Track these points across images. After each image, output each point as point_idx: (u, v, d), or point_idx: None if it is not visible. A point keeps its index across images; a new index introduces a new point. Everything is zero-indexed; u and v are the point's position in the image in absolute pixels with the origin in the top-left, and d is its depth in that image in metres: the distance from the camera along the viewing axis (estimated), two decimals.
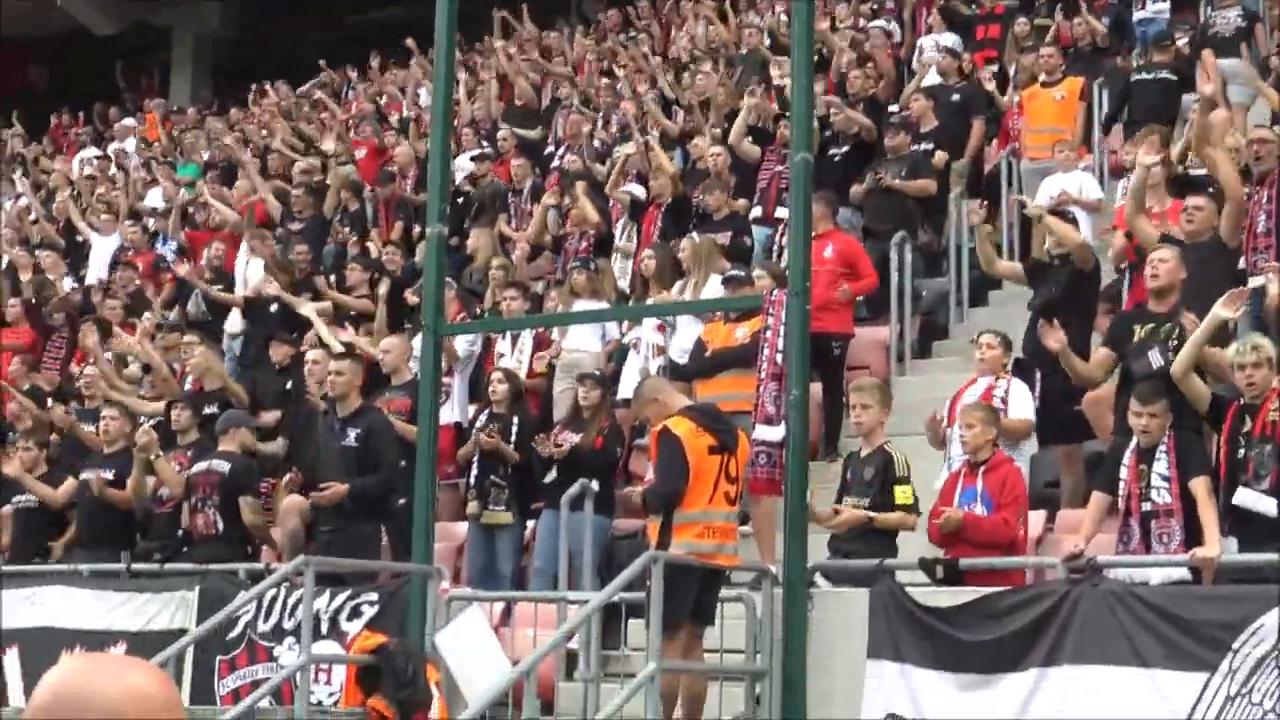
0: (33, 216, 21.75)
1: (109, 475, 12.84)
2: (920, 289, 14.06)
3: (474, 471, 11.99)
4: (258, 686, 10.11)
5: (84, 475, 12.88)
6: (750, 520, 10.58)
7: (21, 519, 13.50)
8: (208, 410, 13.12)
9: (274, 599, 10.76)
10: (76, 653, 10.44)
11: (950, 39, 17.78)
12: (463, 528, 12.33)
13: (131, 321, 16.08)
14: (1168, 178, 11.91)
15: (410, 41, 22.79)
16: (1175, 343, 9.34)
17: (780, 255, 12.76)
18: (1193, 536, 8.39)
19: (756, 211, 14.94)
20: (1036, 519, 10.22)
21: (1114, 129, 15.22)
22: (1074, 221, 11.78)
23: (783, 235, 12.93)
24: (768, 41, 19.06)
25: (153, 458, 12.33)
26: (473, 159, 17.73)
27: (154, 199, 20.98)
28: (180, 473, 12.23)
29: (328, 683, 10.38)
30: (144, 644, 10.86)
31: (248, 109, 24.78)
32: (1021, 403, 10.42)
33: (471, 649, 9.51)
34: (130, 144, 25.16)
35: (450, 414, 12.70)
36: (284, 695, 10.00)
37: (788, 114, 12.81)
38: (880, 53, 17.44)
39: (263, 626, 10.84)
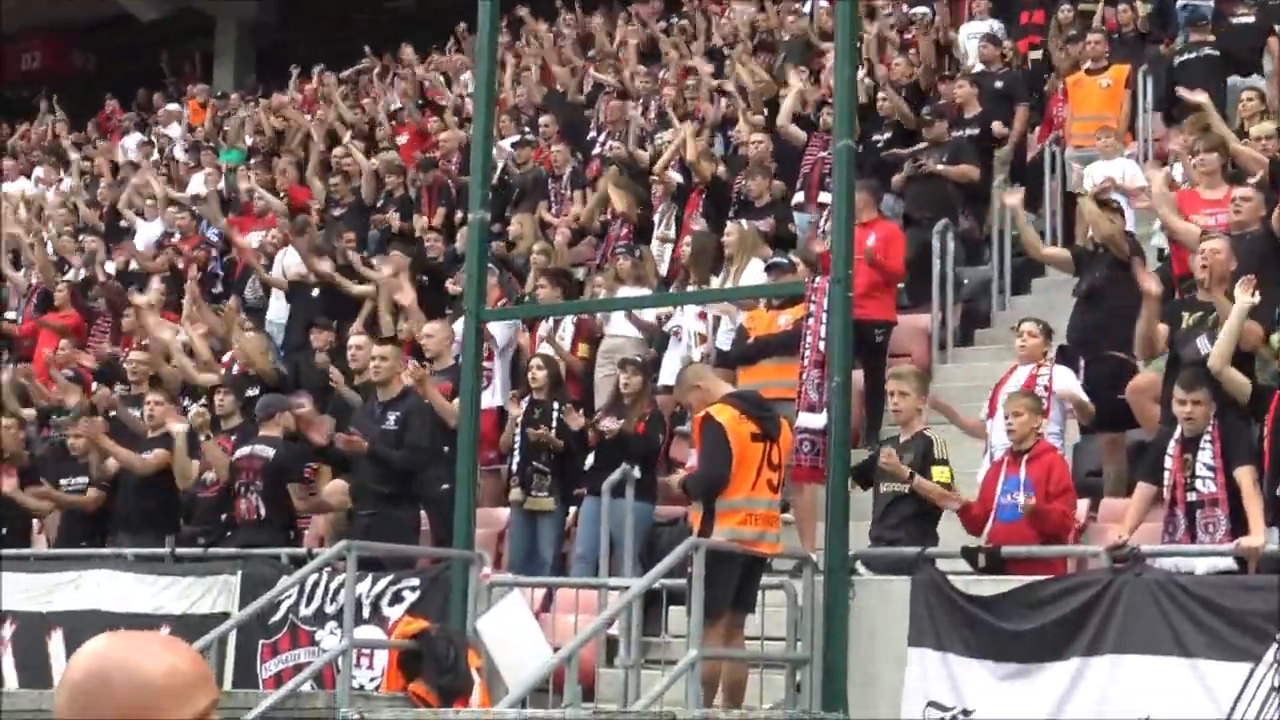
0: (79, 201, 21.87)
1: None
2: (962, 276, 13.99)
3: (516, 458, 12.01)
4: (300, 670, 10.15)
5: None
6: (792, 508, 10.58)
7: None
8: (249, 394, 13.19)
9: (316, 583, 10.80)
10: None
11: (993, 25, 17.67)
12: (504, 513, 12.34)
13: (178, 304, 16.17)
14: (1223, 165, 11.83)
15: (462, 26, 22.77)
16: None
17: (824, 239, 12.65)
18: (1238, 526, 8.35)
19: (799, 197, 14.89)
20: (1079, 508, 10.18)
21: (1155, 116, 15.11)
22: (1119, 210, 11.70)
23: (827, 221, 12.85)
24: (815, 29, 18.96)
25: (203, 438, 12.34)
26: (513, 145, 17.75)
27: (196, 185, 21.06)
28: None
29: (369, 667, 10.44)
30: (187, 627, 10.92)
31: (289, 94, 24.81)
32: (1068, 385, 10.40)
33: (513, 635, 9.53)
34: (175, 130, 25.24)
35: (491, 399, 12.71)
36: (325, 679, 10.04)
37: (830, 100, 12.76)
38: (923, 40, 17.34)
39: (305, 611, 10.89)
